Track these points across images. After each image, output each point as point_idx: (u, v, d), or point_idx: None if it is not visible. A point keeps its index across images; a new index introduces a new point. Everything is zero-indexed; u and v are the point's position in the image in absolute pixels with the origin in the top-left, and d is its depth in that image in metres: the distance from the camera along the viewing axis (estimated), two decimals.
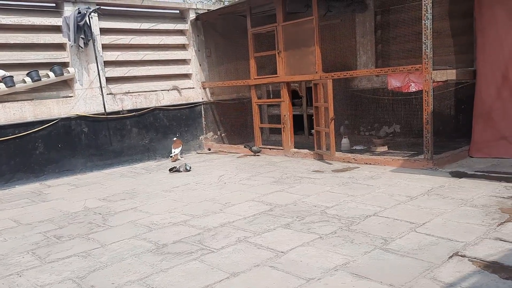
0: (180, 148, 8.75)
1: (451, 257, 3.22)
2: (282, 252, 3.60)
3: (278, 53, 7.94)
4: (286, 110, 8.14)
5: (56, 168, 7.62)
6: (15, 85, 6.95)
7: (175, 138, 8.87)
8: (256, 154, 8.47)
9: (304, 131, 9.73)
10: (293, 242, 3.79)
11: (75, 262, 3.73)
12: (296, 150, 8.06)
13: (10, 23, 7.10)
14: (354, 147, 7.99)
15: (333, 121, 6.93)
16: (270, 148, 8.61)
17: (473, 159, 6.59)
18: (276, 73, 8.13)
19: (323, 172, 6.56)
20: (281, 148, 8.33)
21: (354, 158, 6.99)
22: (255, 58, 8.53)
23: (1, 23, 7.02)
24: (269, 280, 3.12)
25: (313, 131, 8.66)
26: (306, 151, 7.87)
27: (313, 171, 6.70)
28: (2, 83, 6.85)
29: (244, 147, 8.77)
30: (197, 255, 3.68)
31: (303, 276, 3.12)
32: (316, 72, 7.38)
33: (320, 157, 7.48)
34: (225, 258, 3.58)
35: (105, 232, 4.52)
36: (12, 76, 6.94)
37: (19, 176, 7.20)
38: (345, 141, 7.96)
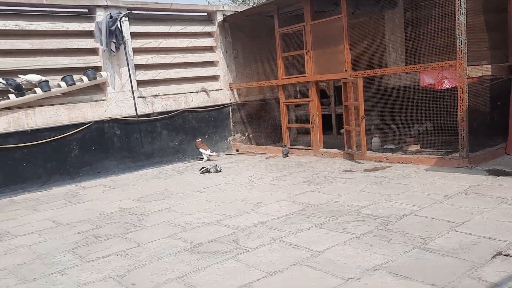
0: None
1: (494, 256, 3.14)
2: (318, 251, 3.58)
3: (306, 52, 7.91)
4: (314, 110, 8.09)
5: (90, 170, 7.80)
6: (50, 90, 7.15)
7: (200, 139, 8.93)
8: (285, 155, 8.44)
9: (333, 131, 9.66)
10: (329, 242, 3.77)
11: (114, 261, 3.81)
12: (325, 150, 8.01)
13: (45, 29, 7.31)
14: (385, 146, 7.88)
15: (363, 120, 6.86)
16: (298, 149, 8.58)
17: (510, 157, 6.40)
18: (304, 73, 8.11)
19: (354, 171, 6.50)
20: (310, 148, 8.29)
21: (386, 157, 6.89)
22: (282, 58, 8.53)
23: (37, 29, 7.24)
24: (307, 279, 3.11)
25: (342, 130, 8.59)
26: (335, 151, 7.81)
27: (344, 170, 6.64)
28: (38, 88, 7.06)
29: (282, 147, 8.68)
30: (233, 254, 3.70)
31: (341, 275, 3.10)
32: (346, 70, 7.31)
33: (351, 157, 7.41)
34: (261, 257, 3.59)
35: (141, 231, 4.60)
36: (47, 81, 7.15)
37: (56, 178, 7.40)
38: (375, 140, 7.85)
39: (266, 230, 4.25)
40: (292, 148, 8.63)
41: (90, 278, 3.48)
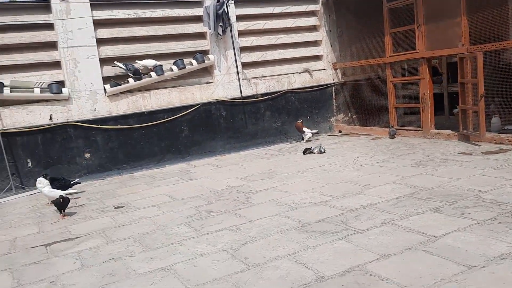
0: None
1: None
2: (435, 236, 3.39)
3: (417, 27, 7.42)
4: (425, 88, 7.61)
5: (199, 149, 8.21)
6: (164, 73, 7.62)
7: (301, 120, 8.84)
8: (392, 136, 8.09)
9: (444, 111, 9.02)
10: (446, 227, 3.55)
11: (226, 235, 3.98)
12: (437, 131, 7.51)
13: (158, 16, 7.76)
14: (506, 127, 7.16)
15: (483, 98, 6.29)
16: (406, 130, 8.16)
17: None
18: (414, 49, 7.63)
19: (471, 154, 6.01)
20: (419, 129, 7.84)
21: (508, 139, 6.27)
22: (390, 34, 8.11)
23: (152, 16, 7.70)
24: (424, 264, 2.96)
25: (455, 110, 7.99)
26: (448, 132, 7.29)
27: (459, 153, 6.18)
28: (153, 72, 7.55)
29: (389, 128, 8.31)
30: (343, 235, 3.65)
31: (463, 262, 2.90)
32: (463, 45, 6.74)
33: (466, 138, 6.86)
34: (373, 239, 3.50)
35: (250, 209, 4.74)
36: (161, 65, 7.62)
37: (169, 156, 7.92)
38: (495, 120, 7.18)
39: (376, 212, 4.12)
40: (400, 129, 8.24)
41: (206, 250, 3.68)
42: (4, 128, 6.59)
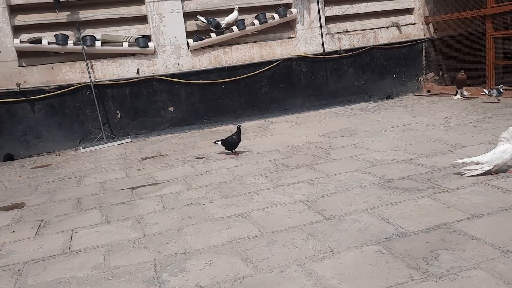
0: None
1: None
2: None
3: None
4: None
5: (278, 106, 8.13)
6: (246, 28, 7.52)
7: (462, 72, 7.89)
8: (489, 96, 7.36)
9: None
10: None
11: (303, 188, 3.91)
12: None
13: None
14: None
15: None
16: (505, 89, 7.37)
17: None
18: None
19: None
20: None
21: None
22: None
23: None
24: None
25: None
26: None
27: None
28: (235, 27, 7.49)
29: (485, 88, 7.54)
30: (429, 193, 3.42)
31: None
32: None
33: None
34: (462, 198, 3.23)
35: (328, 164, 4.61)
36: (243, 20, 7.52)
37: (248, 112, 7.94)
38: None
39: None
40: (497, 89, 7.46)
41: (282, 200, 3.64)
42: (96, 80, 6.98)
